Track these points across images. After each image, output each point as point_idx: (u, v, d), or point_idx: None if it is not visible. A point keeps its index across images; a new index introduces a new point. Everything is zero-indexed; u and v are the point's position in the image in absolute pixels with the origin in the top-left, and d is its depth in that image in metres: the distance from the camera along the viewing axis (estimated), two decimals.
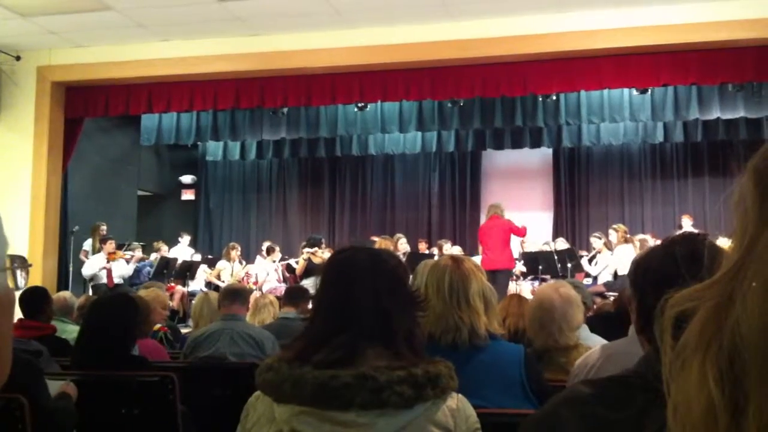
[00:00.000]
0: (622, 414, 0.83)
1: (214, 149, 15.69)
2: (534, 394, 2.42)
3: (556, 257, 10.56)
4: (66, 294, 6.21)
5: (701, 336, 0.54)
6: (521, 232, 10.50)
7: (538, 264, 10.70)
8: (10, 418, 2.49)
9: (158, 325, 5.39)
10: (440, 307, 2.42)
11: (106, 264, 10.87)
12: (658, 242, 1.60)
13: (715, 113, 10.92)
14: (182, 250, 13.26)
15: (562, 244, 11.86)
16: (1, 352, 0.87)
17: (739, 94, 10.53)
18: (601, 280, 10.62)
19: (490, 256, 9.97)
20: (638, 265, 1.45)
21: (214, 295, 5.75)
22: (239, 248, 12.81)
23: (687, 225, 12.00)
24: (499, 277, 9.63)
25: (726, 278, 0.54)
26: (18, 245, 8.96)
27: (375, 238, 11.45)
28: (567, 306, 3.33)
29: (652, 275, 1.34)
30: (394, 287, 1.79)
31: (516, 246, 11.77)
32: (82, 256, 11.30)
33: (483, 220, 11.81)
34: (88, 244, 11.47)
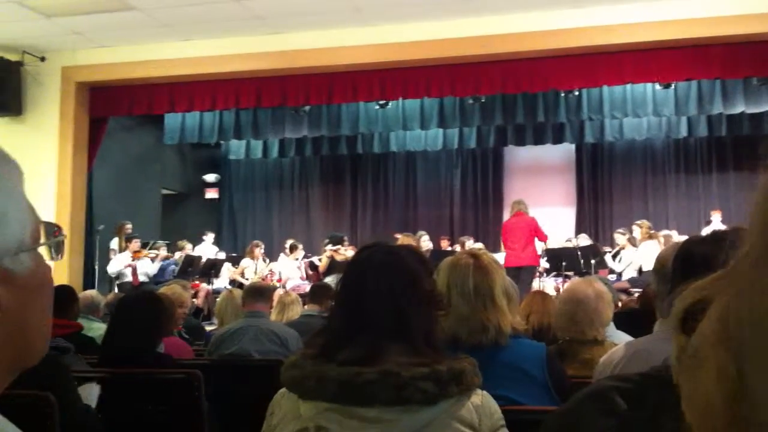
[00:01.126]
0: (645, 411, 0.83)
1: (236, 148, 15.75)
2: (556, 391, 2.42)
3: (579, 253, 10.50)
4: (92, 292, 6.27)
5: (721, 327, 0.53)
6: (543, 238, 10.40)
7: (561, 260, 10.64)
8: (39, 416, 2.52)
9: None
10: (466, 309, 2.39)
11: (131, 262, 10.99)
12: (684, 238, 1.60)
13: (739, 107, 10.81)
14: (206, 249, 13.34)
15: (585, 240, 11.81)
16: (27, 333, 0.86)
17: (763, 88, 10.42)
18: (625, 277, 10.55)
19: (514, 252, 9.91)
20: (680, 253, 1.43)
21: (238, 293, 5.79)
22: (263, 246, 12.87)
23: (716, 220, 11.88)
24: (524, 273, 9.58)
25: (746, 267, 0.54)
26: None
27: (398, 236, 11.46)
28: (599, 301, 3.36)
29: (693, 263, 1.31)
30: (411, 286, 1.78)
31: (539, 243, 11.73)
32: (111, 255, 11.42)
33: (506, 216, 11.75)
34: (114, 243, 11.58)
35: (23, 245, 0.83)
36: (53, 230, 0.92)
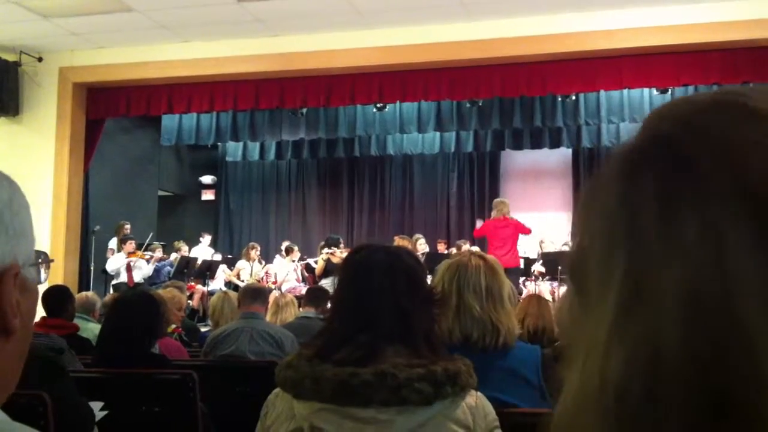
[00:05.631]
0: None
1: (233, 150, 15.76)
2: (551, 395, 2.41)
3: None
4: (89, 293, 6.27)
5: None
6: (527, 231, 10.48)
7: (557, 264, 10.65)
8: (34, 415, 2.51)
9: (172, 326, 5.42)
10: (479, 309, 2.39)
11: (127, 258, 10.98)
12: None
13: None
14: (202, 250, 13.33)
15: None
16: (22, 344, 0.89)
17: None
18: None
19: (498, 255, 9.92)
20: None
21: (233, 294, 5.79)
22: (259, 248, 12.86)
23: None
24: (509, 276, 9.58)
25: None
26: (40, 245, 9.00)
27: (396, 238, 11.45)
28: None
29: None
30: (411, 286, 1.79)
31: (531, 245, 11.75)
32: (108, 255, 11.41)
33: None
34: (113, 243, 11.58)
35: (32, 260, 0.90)
36: (43, 255, 0.98)
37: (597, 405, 0.46)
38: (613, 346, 0.45)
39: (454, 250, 11.90)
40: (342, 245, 11.90)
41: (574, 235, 0.52)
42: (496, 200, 11.26)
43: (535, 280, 11.40)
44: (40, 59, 10.05)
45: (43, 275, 0.97)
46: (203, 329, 7.26)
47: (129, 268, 11.01)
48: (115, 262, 11.03)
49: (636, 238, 0.46)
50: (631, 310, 0.45)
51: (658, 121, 0.50)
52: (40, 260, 0.94)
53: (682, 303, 0.43)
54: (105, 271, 11.20)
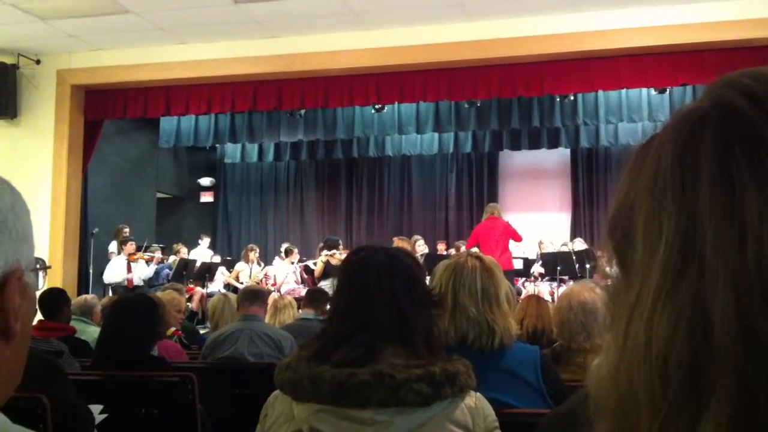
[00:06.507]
0: None
1: (232, 151, 15.76)
2: (551, 395, 2.41)
3: (574, 258, 10.51)
4: (88, 296, 6.27)
5: None
6: (519, 238, 10.43)
7: (556, 265, 10.66)
8: (33, 417, 2.51)
9: (172, 329, 5.41)
10: (474, 310, 2.39)
11: (127, 275, 10.96)
12: None
13: None
14: (201, 252, 13.32)
15: (580, 244, 11.81)
16: (22, 348, 0.89)
17: None
18: None
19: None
20: None
21: (232, 296, 5.79)
22: (257, 250, 12.86)
23: None
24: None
25: None
26: (38, 248, 8.97)
27: (395, 239, 11.45)
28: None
29: None
30: (411, 286, 1.79)
31: (530, 246, 11.74)
32: (110, 258, 11.41)
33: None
34: (113, 246, 11.57)
35: (32, 265, 0.91)
36: (41, 262, 0.99)
37: (642, 366, 0.45)
38: (659, 307, 0.44)
39: (453, 251, 11.91)
40: (341, 247, 11.90)
41: (618, 193, 0.51)
42: (486, 206, 11.25)
43: (534, 281, 11.40)
44: (37, 62, 10.04)
45: (40, 281, 0.98)
46: (202, 331, 7.26)
47: (129, 270, 11.01)
48: (113, 274, 10.99)
49: (689, 198, 0.45)
50: (679, 270, 0.44)
51: (723, 89, 0.49)
52: (38, 266, 0.95)
53: (733, 269, 0.42)
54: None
